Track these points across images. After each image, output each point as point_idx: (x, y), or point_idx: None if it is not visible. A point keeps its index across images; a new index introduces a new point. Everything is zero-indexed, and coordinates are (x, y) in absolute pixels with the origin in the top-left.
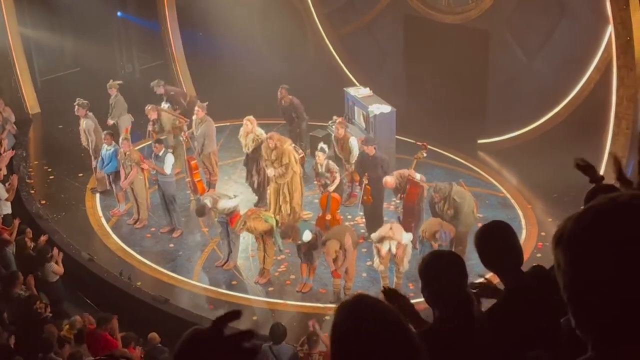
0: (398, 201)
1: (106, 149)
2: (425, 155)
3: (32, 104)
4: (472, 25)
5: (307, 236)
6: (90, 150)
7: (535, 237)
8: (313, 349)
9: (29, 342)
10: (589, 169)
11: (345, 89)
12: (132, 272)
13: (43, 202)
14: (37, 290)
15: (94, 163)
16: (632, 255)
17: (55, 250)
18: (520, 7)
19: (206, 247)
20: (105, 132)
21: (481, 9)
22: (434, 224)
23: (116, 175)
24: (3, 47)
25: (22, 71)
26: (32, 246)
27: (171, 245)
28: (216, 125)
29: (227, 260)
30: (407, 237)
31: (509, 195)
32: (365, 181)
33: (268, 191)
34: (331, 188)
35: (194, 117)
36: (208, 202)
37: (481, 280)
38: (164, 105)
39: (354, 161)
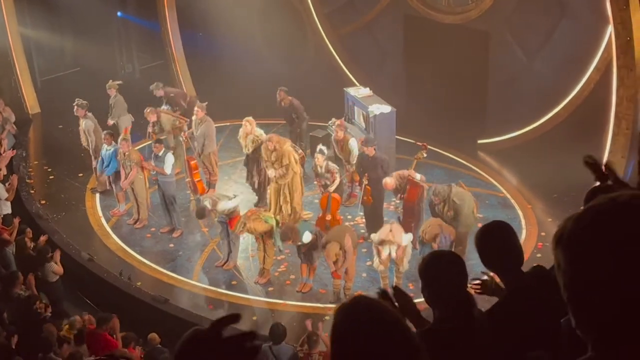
0: (398, 201)
1: (106, 149)
2: (425, 155)
3: (32, 104)
4: (472, 26)
5: (307, 237)
6: (91, 151)
7: (535, 237)
8: (313, 349)
9: (29, 342)
10: (597, 167)
11: (345, 89)
12: (132, 272)
13: (43, 202)
14: (37, 290)
15: (94, 163)
16: (632, 255)
17: (58, 252)
18: (520, 7)
19: (206, 247)
20: (105, 132)
21: (481, 9)
22: (434, 226)
23: (116, 175)
24: (3, 47)
25: (22, 71)
26: (32, 246)
27: (171, 245)
28: (216, 125)
29: (227, 260)
30: (407, 239)
31: (509, 196)
32: (365, 182)
33: (268, 191)
34: (331, 188)
35: (193, 118)
36: (207, 204)
37: (484, 277)
38: (164, 107)
39: (354, 162)
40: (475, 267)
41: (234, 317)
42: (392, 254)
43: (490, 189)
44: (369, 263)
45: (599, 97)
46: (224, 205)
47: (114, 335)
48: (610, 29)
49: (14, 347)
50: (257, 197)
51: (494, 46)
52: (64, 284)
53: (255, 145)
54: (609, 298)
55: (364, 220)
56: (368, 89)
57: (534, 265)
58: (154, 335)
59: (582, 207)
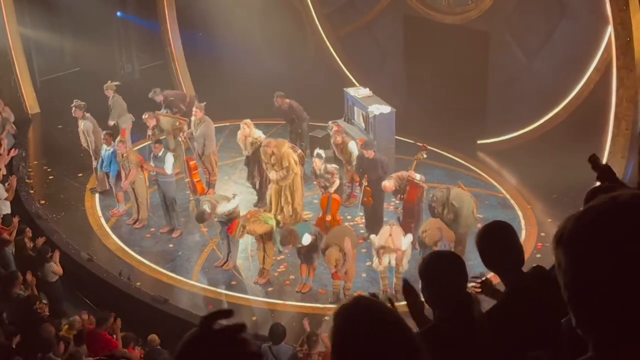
0: (398, 202)
1: (105, 149)
2: (425, 156)
3: (31, 104)
4: (472, 26)
5: (306, 239)
6: (91, 151)
7: (534, 237)
8: (312, 349)
9: (28, 342)
10: (599, 167)
11: (345, 89)
12: (132, 272)
13: (42, 202)
14: (36, 290)
15: (94, 163)
16: (632, 254)
17: (57, 252)
18: (520, 7)
19: (205, 247)
20: (104, 132)
21: (481, 10)
22: (434, 230)
23: (117, 176)
24: (3, 47)
25: (21, 71)
26: (31, 246)
27: (170, 245)
28: (216, 125)
29: (227, 260)
30: (406, 242)
31: (508, 196)
32: (365, 183)
33: (268, 191)
34: (332, 189)
35: (192, 118)
36: (207, 207)
37: (482, 278)
38: (163, 111)
39: (354, 163)
40: (475, 267)
41: (226, 313)
42: (391, 262)
43: (490, 190)
44: (368, 263)
45: (599, 97)
46: (223, 208)
47: (114, 335)
48: (610, 30)
49: (14, 347)
50: (257, 197)
51: (493, 46)
52: (63, 284)
53: (255, 147)
54: (609, 297)
55: (363, 220)
56: (368, 89)
57: (534, 265)
58: (153, 337)
59: (582, 208)
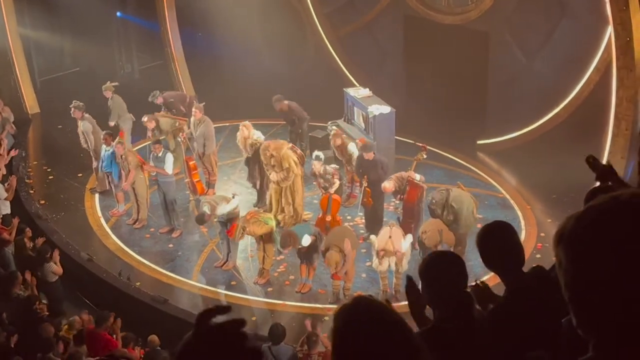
0: (398, 202)
1: (105, 150)
2: (425, 156)
3: (31, 104)
4: (472, 26)
5: (306, 240)
6: (91, 152)
7: (534, 237)
8: (312, 349)
9: (28, 342)
10: (598, 167)
11: (344, 89)
12: (131, 273)
13: (42, 202)
14: (36, 290)
15: (94, 164)
16: (633, 254)
17: (57, 251)
18: (520, 7)
19: (205, 247)
20: (104, 132)
21: (481, 10)
22: (434, 232)
23: (118, 176)
24: (2, 47)
25: (21, 71)
26: (31, 246)
27: (170, 245)
28: (215, 125)
29: (227, 260)
30: (406, 244)
31: (508, 196)
32: (365, 183)
33: (268, 191)
34: (332, 190)
35: (192, 119)
36: (206, 209)
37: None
38: (162, 112)
39: (354, 163)
40: (475, 267)
41: (222, 309)
42: (391, 266)
43: (490, 190)
44: (368, 264)
45: (599, 97)
46: (223, 209)
47: (114, 335)
48: (610, 30)
49: (12, 347)
50: (256, 198)
51: (493, 46)
52: (63, 284)
53: (255, 149)
54: (610, 297)
55: (363, 220)
56: (367, 89)
57: (534, 265)
58: (154, 337)
59: (582, 208)
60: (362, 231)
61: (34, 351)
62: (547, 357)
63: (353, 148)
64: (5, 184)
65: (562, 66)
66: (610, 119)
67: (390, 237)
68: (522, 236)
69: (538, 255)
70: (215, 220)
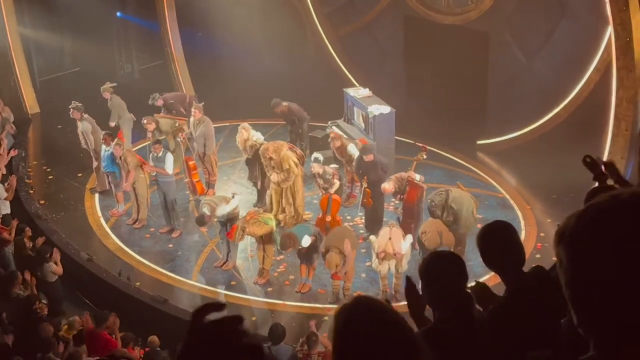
0: (397, 202)
1: (105, 150)
2: (425, 157)
3: (31, 104)
4: (472, 26)
5: (306, 241)
6: (91, 152)
7: (534, 238)
8: (312, 349)
9: (28, 342)
10: (595, 167)
11: (344, 89)
12: (131, 272)
13: (42, 202)
14: (36, 290)
15: (94, 164)
16: (633, 253)
17: (57, 251)
18: (520, 8)
19: (205, 247)
20: (103, 132)
21: (481, 10)
22: (434, 234)
23: (118, 175)
24: (2, 47)
25: (21, 71)
26: (30, 246)
27: (170, 245)
28: (215, 125)
29: (226, 260)
30: (406, 245)
31: (508, 196)
32: (365, 184)
33: (268, 191)
34: (332, 190)
35: (191, 119)
36: (206, 210)
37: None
38: (162, 113)
39: (354, 164)
40: (475, 267)
41: (216, 306)
42: (391, 269)
43: (490, 190)
44: (368, 264)
45: (599, 98)
46: (223, 210)
47: (113, 335)
48: (610, 30)
49: (11, 346)
50: (256, 197)
51: (493, 46)
52: (63, 284)
53: (255, 150)
54: (610, 296)
55: (363, 220)
56: (367, 89)
57: (534, 265)
58: (154, 338)
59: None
60: (362, 231)
61: (34, 351)
62: (547, 357)
63: (353, 149)
64: (5, 184)
65: (562, 66)
66: (610, 119)
67: (390, 238)
68: (522, 236)
69: (538, 255)
70: (215, 220)
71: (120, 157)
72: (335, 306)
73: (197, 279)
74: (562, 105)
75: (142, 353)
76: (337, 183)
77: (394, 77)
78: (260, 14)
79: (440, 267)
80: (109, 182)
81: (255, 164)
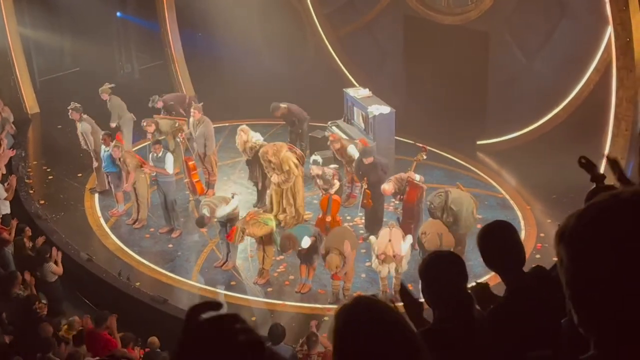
0: (397, 202)
1: (104, 150)
2: (425, 157)
3: (31, 104)
4: (472, 26)
5: (306, 243)
6: (91, 152)
7: (534, 238)
8: (312, 349)
9: (28, 342)
10: (591, 167)
11: (344, 89)
12: (131, 273)
13: (42, 202)
14: (35, 290)
15: (95, 164)
16: (633, 252)
17: (54, 250)
18: (520, 8)
19: (205, 247)
20: (102, 132)
21: (481, 10)
22: (434, 235)
23: (118, 175)
24: (2, 47)
25: (21, 71)
26: (30, 246)
27: (170, 245)
28: (215, 126)
29: (226, 260)
30: (406, 246)
31: (508, 197)
32: (365, 185)
33: (268, 191)
34: (332, 190)
35: (190, 119)
36: (206, 211)
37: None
38: (161, 114)
39: (354, 164)
40: (475, 267)
41: (213, 305)
42: (391, 272)
43: (490, 190)
44: (368, 264)
45: (599, 98)
46: (223, 211)
47: (112, 335)
48: (609, 30)
49: (9, 346)
50: (256, 198)
51: (493, 46)
52: (62, 284)
53: (255, 151)
54: (610, 295)
55: (363, 220)
56: (367, 89)
57: (535, 265)
58: (154, 339)
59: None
60: (361, 231)
61: (34, 351)
62: (548, 357)
63: (353, 150)
64: (5, 184)
65: (562, 66)
66: (610, 119)
67: (389, 240)
68: (522, 236)
69: (538, 256)
70: (215, 221)
71: (120, 159)
72: (335, 306)
73: (197, 279)
74: (562, 106)
75: (142, 353)
76: (337, 184)
77: (394, 77)
78: (260, 15)
79: (440, 267)
80: (108, 182)
81: (256, 165)
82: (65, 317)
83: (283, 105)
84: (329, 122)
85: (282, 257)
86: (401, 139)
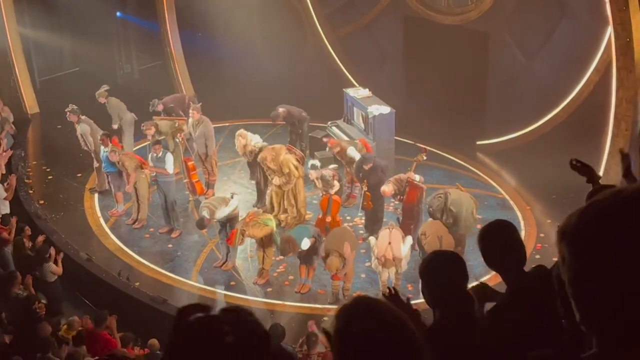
0: (397, 203)
1: (103, 150)
2: (425, 158)
3: (31, 104)
4: (472, 26)
5: (305, 244)
6: (92, 153)
7: (534, 238)
8: (312, 349)
9: (27, 342)
10: (584, 169)
11: (344, 89)
12: (131, 273)
13: (41, 202)
14: (35, 290)
15: (95, 164)
16: (635, 249)
17: (54, 250)
18: (520, 8)
19: (205, 247)
20: (101, 133)
21: (481, 10)
22: (433, 238)
23: (118, 175)
24: (2, 47)
25: (21, 71)
26: (30, 246)
27: (170, 245)
28: (215, 126)
29: (226, 260)
30: (405, 248)
31: (507, 197)
32: (365, 187)
33: (268, 191)
34: (332, 191)
35: (190, 120)
36: (206, 213)
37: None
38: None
39: (354, 166)
40: (475, 267)
41: (202, 307)
42: (391, 276)
43: (489, 190)
44: (367, 264)
45: (599, 98)
46: (222, 213)
47: (112, 335)
48: (609, 30)
49: (9, 346)
50: (256, 198)
51: (493, 46)
52: (62, 284)
53: (254, 154)
54: (612, 293)
55: (363, 221)
56: (367, 89)
57: (536, 265)
58: (154, 341)
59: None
60: (361, 232)
61: (33, 351)
62: (549, 356)
63: (353, 152)
64: (5, 184)
65: (561, 66)
66: (610, 119)
67: (389, 242)
68: (522, 237)
69: (537, 256)
70: (215, 221)
71: (118, 162)
72: (334, 306)
73: (197, 279)
74: (562, 106)
75: (142, 353)
76: (337, 184)
77: (394, 77)
78: (260, 15)
79: (440, 267)
80: (108, 182)
81: (257, 167)
82: (65, 317)
83: (281, 109)
84: (329, 122)
85: (281, 257)
86: (401, 139)
